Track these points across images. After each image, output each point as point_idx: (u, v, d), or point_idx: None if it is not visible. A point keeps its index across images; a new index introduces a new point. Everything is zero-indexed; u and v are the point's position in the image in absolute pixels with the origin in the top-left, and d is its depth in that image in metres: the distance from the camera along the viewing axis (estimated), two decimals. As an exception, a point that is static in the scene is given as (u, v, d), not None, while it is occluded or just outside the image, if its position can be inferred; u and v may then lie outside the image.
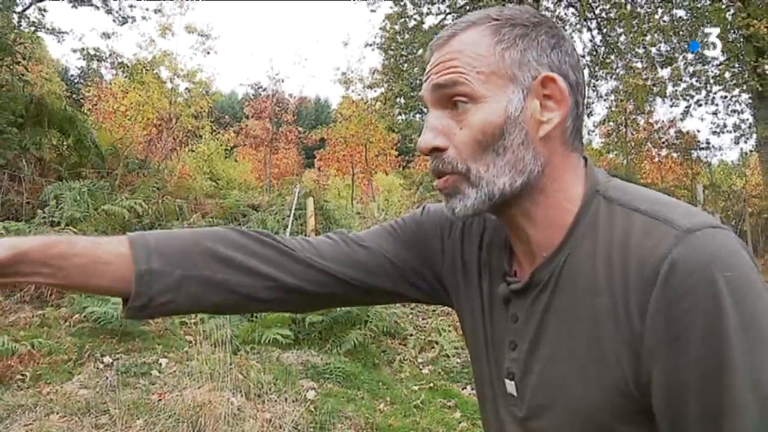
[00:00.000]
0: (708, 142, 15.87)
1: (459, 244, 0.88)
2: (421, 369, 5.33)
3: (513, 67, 0.69)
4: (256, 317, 5.55)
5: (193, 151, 18.54)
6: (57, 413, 3.26)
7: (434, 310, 6.76)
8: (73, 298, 4.98)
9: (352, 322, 5.54)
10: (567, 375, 0.69)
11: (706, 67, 13.64)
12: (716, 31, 10.91)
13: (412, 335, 5.90)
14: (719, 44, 10.96)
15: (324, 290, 0.87)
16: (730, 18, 11.76)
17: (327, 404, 4.05)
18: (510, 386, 0.77)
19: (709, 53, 12.59)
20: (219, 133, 20.61)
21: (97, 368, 4.09)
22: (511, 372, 0.76)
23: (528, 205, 0.71)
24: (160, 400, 3.46)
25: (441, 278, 0.91)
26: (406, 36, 14.26)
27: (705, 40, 11.89)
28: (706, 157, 15.93)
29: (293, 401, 3.75)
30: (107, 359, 4.27)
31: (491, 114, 0.68)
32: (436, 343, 5.73)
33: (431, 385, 4.90)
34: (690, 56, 13.72)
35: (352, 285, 0.88)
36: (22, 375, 3.77)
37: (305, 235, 5.90)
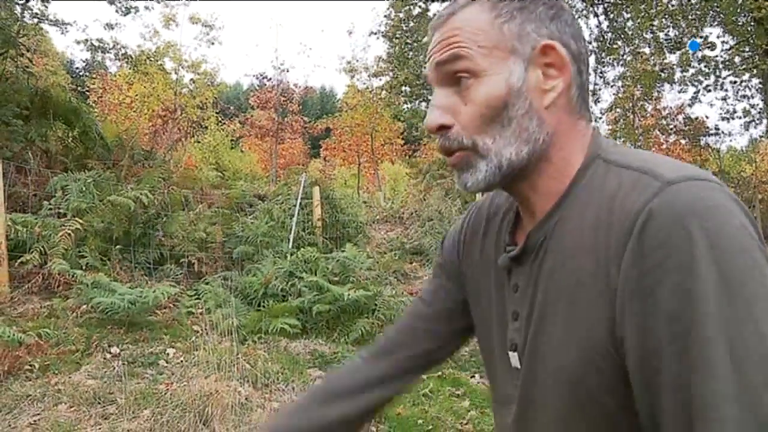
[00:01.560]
0: (717, 128, 15.69)
1: (476, 243, 0.88)
2: (428, 357, 5.32)
3: (513, 40, 0.69)
4: (264, 306, 5.54)
5: (199, 142, 18.56)
6: (65, 403, 3.26)
7: (441, 299, 6.75)
8: (80, 288, 4.99)
9: (360, 311, 5.53)
10: (552, 338, 0.67)
11: (714, 52, 13.46)
12: (716, 31, 10.75)
13: (419, 324, 5.89)
14: (719, 44, 10.83)
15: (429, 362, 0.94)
16: (740, 0, 11.58)
17: (335, 393, 4.04)
18: (514, 359, 0.75)
19: (708, 53, 12.43)
20: (224, 123, 20.61)
21: (105, 359, 4.09)
22: (513, 343, 0.75)
23: (535, 176, 0.71)
24: (167, 390, 3.45)
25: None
26: (411, 24, 14.15)
27: (705, 41, 11.78)
28: (715, 143, 15.77)
29: (301, 390, 3.73)
30: (114, 350, 4.27)
31: (494, 87, 0.68)
32: (444, 331, 5.72)
33: (440, 373, 4.89)
34: (699, 41, 13.54)
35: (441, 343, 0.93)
36: (30, 365, 3.77)
37: (312, 224, 5.85)
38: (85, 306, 4.78)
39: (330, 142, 22.75)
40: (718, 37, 10.66)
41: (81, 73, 22.81)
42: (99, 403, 3.23)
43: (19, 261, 5.26)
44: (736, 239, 0.55)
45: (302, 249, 6.54)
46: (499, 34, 0.69)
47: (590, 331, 0.62)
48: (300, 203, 7.69)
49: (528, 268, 0.72)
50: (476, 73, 0.69)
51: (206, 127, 18.87)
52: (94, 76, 19.52)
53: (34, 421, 3.02)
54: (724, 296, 0.52)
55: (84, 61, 21.27)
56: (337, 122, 21.21)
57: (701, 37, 13.08)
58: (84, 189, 6.37)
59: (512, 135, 0.69)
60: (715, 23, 11.79)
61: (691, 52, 12.53)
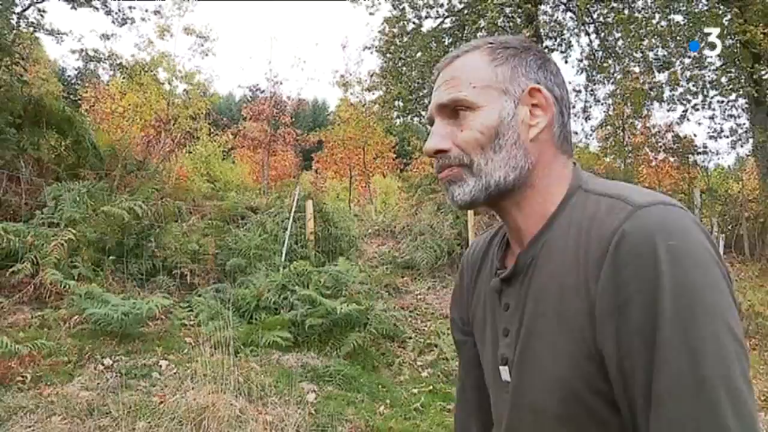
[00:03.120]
0: (705, 147, 15.90)
1: (473, 277, 0.98)
2: (420, 372, 5.34)
3: (505, 82, 0.80)
4: (256, 319, 5.55)
5: (191, 152, 18.51)
6: (58, 415, 3.25)
7: (433, 314, 6.77)
8: (72, 299, 4.97)
9: (352, 325, 5.54)
10: (540, 350, 0.74)
11: (703, 71, 13.68)
12: (716, 31, 10.92)
13: (411, 338, 5.91)
14: (719, 44, 10.98)
15: None
16: (726, 23, 11.81)
17: (327, 407, 4.05)
18: (504, 372, 0.82)
19: (708, 53, 12.62)
20: (217, 134, 20.57)
21: (98, 370, 4.08)
22: (504, 358, 0.82)
23: (519, 198, 0.81)
24: (161, 402, 3.45)
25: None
26: (405, 39, 14.25)
27: (705, 40, 11.93)
28: (703, 162, 15.96)
29: (295, 404, 3.74)
30: (107, 361, 4.26)
31: (487, 118, 0.79)
32: (435, 346, 5.74)
33: (431, 388, 4.91)
34: (687, 61, 13.76)
35: None
36: (23, 377, 3.75)
37: (304, 238, 5.89)
38: (77, 317, 4.75)
39: (322, 155, 22.75)
40: (718, 37, 10.80)
41: (73, 82, 22.72)
42: (93, 415, 3.22)
43: (10, 270, 5.23)
44: (696, 256, 0.63)
45: (295, 262, 6.55)
46: (493, 76, 0.81)
47: (576, 340, 0.69)
48: (293, 216, 7.71)
49: (517, 288, 0.80)
50: (473, 107, 0.79)
51: (198, 138, 18.81)
52: (86, 84, 19.45)
53: (28, 432, 3.01)
54: (683, 305, 0.60)
55: (76, 70, 21.20)
56: (330, 135, 21.22)
57: (689, 57, 13.32)
58: (77, 199, 6.35)
59: (502, 161, 0.79)
60: (703, 45, 11.99)
61: (691, 51, 12.74)
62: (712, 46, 11.22)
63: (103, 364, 4.18)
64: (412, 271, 8.33)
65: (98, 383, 3.80)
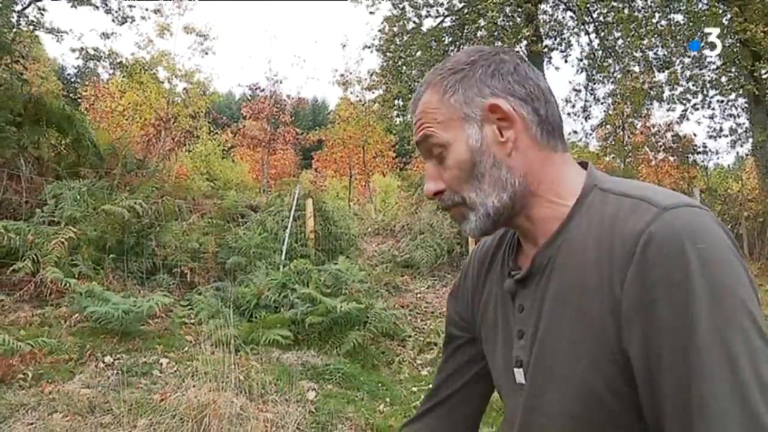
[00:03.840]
0: (705, 146, 15.94)
1: (480, 276, 0.97)
2: (420, 370, 5.35)
3: (462, 109, 0.79)
4: (256, 317, 5.56)
5: (190, 151, 18.50)
6: (60, 412, 3.26)
7: (433, 312, 6.78)
8: (73, 297, 4.98)
9: (352, 324, 5.55)
10: (560, 350, 0.74)
11: (702, 71, 13.71)
12: (716, 31, 10.94)
13: (410, 337, 5.92)
14: (719, 44, 11.00)
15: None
16: (726, 22, 11.82)
17: (327, 405, 4.06)
18: (519, 375, 0.81)
19: (708, 53, 12.64)
20: (216, 133, 20.59)
21: (99, 368, 4.09)
22: (519, 360, 0.81)
23: (528, 210, 0.80)
24: (162, 400, 3.46)
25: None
26: (405, 38, 14.27)
27: (705, 39, 11.95)
28: (702, 161, 15.99)
29: (295, 402, 3.76)
30: (108, 359, 4.27)
31: (459, 153, 0.79)
32: (435, 344, 5.75)
33: (430, 386, 4.91)
34: (687, 60, 13.78)
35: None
36: (24, 374, 3.76)
37: (304, 236, 5.89)
38: (78, 315, 4.76)
39: (322, 154, 22.78)
40: (718, 37, 10.83)
41: (72, 80, 22.71)
42: (95, 413, 3.24)
43: (11, 269, 5.24)
44: (725, 259, 0.63)
45: (295, 261, 6.56)
46: (450, 108, 0.79)
47: (598, 340, 0.69)
48: (293, 215, 7.72)
49: (533, 290, 0.79)
50: (444, 146, 0.80)
51: (198, 137, 18.82)
52: (86, 83, 19.45)
53: (30, 430, 3.02)
54: (714, 306, 0.60)
55: (76, 68, 21.20)
56: (329, 134, 21.25)
57: (689, 57, 13.33)
58: (78, 197, 6.36)
59: (489, 187, 0.78)
60: (703, 44, 12.01)
61: (692, 51, 12.76)
62: (713, 46, 11.23)
63: (103, 362, 4.19)
64: (411, 269, 8.34)
65: (99, 381, 3.81)
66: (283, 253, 7.14)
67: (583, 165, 0.84)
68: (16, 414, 3.22)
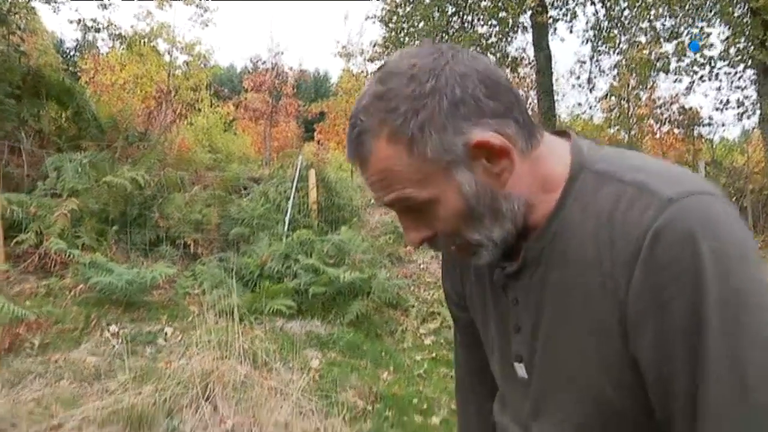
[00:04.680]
0: (711, 119, 15.78)
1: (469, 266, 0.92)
2: (423, 339, 5.39)
3: (442, 157, 0.66)
4: (259, 287, 5.59)
5: (192, 124, 18.41)
6: (67, 379, 3.30)
7: (435, 283, 6.80)
8: (77, 268, 5.00)
9: (355, 294, 5.58)
10: (566, 350, 0.71)
11: (713, 52, 13.47)
12: (716, 31, 10.78)
13: (414, 306, 5.95)
14: (719, 44, 10.85)
15: None
16: (736, -9, 11.60)
17: (331, 373, 4.10)
18: (520, 369, 0.79)
19: (708, 54, 12.49)
20: (218, 106, 20.46)
21: (104, 337, 4.13)
22: (519, 355, 0.79)
23: (526, 219, 0.73)
24: (167, 367, 3.50)
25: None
26: (407, 9, 14.05)
27: (705, 42, 11.82)
28: (708, 134, 15.86)
29: (299, 370, 3.79)
30: (113, 328, 4.30)
31: (452, 204, 0.69)
32: (438, 314, 5.78)
33: (434, 355, 4.96)
34: (695, 31, 13.54)
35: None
36: (30, 343, 3.80)
37: (307, 207, 5.87)
38: (82, 285, 4.79)
39: (324, 126, 22.65)
40: (718, 36, 10.72)
41: (72, 53, 22.50)
42: (101, 379, 3.28)
43: (15, 241, 5.26)
44: (740, 255, 0.59)
45: (298, 231, 6.57)
46: (426, 163, 0.66)
47: (605, 344, 0.66)
48: (296, 186, 7.70)
49: (527, 282, 0.75)
50: (431, 201, 0.69)
51: (200, 110, 18.70)
52: (85, 56, 19.28)
53: (38, 395, 3.06)
54: (727, 310, 0.57)
55: (75, 41, 20.99)
56: (332, 106, 21.10)
57: (698, 27, 13.11)
58: (79, 170, 6.34)
59: (491, 222, 0.70)
60: (712, 14, 11.79)
61: (693, 52, 12.58)
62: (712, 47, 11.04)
63: (108, 331, 4.23)
64: (414, 241, 8.34)
65: (104, 349, 3.85)
66: (286, 224, 7.14)
67: (562, 133, 0.77)
68: (24, 381, 3.26)
